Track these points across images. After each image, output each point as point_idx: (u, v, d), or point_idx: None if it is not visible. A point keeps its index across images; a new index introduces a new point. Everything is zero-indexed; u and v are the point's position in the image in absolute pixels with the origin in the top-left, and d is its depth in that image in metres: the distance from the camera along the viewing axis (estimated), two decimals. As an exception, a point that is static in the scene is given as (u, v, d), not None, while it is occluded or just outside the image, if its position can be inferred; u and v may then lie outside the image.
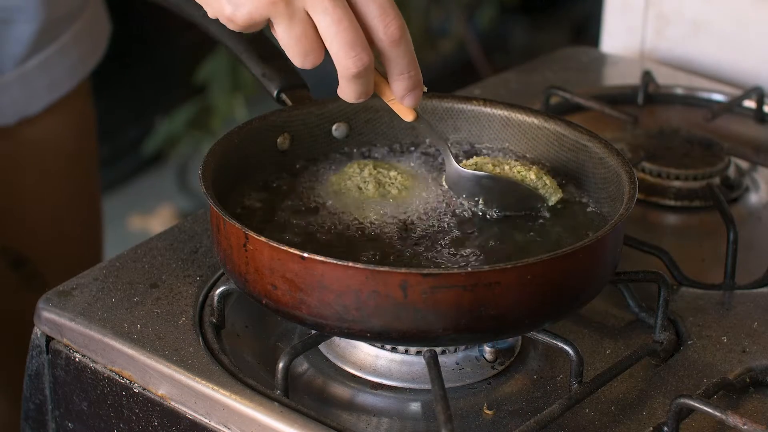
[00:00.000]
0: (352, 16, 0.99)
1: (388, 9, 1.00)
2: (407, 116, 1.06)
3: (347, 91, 1.02)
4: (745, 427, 0.93)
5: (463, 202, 1.10)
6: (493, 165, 1.11)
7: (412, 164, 1.17)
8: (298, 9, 0.99)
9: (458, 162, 1.10)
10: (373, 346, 1.05)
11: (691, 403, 0.95)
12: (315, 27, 0.99)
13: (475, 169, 1.10)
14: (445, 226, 1.08)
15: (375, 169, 1.14)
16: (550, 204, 1.10)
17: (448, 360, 1.04)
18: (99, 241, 1.67)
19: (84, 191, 1.63)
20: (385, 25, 0.99)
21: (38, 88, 1.48)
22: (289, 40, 1.00)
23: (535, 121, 1.17)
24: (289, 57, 1.02)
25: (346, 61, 0.99)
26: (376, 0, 0.99)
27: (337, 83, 1.01)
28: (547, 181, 1.10)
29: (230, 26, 1.02)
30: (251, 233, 0.97)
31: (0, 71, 1.45)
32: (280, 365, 0.99)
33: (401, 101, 1.04)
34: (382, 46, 1.00)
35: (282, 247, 0.95)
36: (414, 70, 1.02)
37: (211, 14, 1.03)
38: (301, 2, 0.99)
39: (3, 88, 1.45)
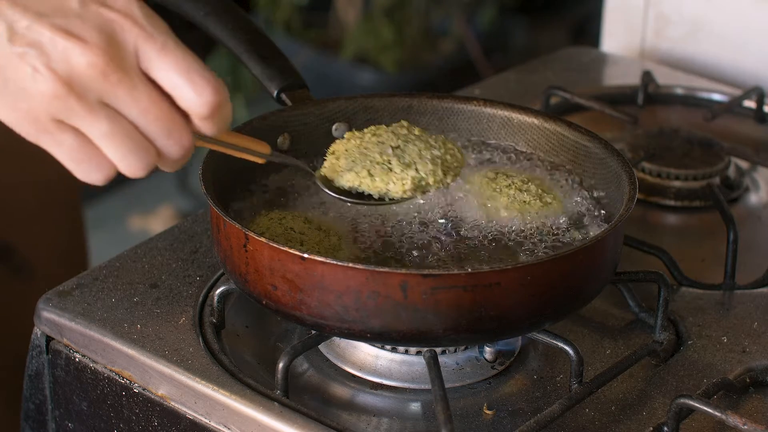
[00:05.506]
0: (161, 98, 0.84)
1: (195, 75, 0.84)
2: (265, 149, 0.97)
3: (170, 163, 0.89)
4: (745, 427, 0.93)
5: (464, 203, 1.10)
6: (491, 180, 1.11)
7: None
8: (93, 101, 0.81)
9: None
10: (373, 346, 1.05)
11: (691, 403, 0.95)
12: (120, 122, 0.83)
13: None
14: (446, 226, 1.08)
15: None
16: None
17: (448, 360, 1.04)
18: (81, 226, 1.65)
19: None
20: (197, 95, 0.85)
21: None
22: (89, 151, 0.83)
23: (535, 121, 1.17)
24: (82, 176, 0.86)
25: (169, 149, 0.86)
26: (178, 69, 0.84)
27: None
28: (548, 199, 1.10)
29: None
30: (251, 233, 0.97)
31: None
32: (280, 365, 0.99)
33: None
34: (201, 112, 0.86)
35: (282, 248, 0.95)
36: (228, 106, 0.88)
37: None
38: (94, 93, 0.82)
39: None
